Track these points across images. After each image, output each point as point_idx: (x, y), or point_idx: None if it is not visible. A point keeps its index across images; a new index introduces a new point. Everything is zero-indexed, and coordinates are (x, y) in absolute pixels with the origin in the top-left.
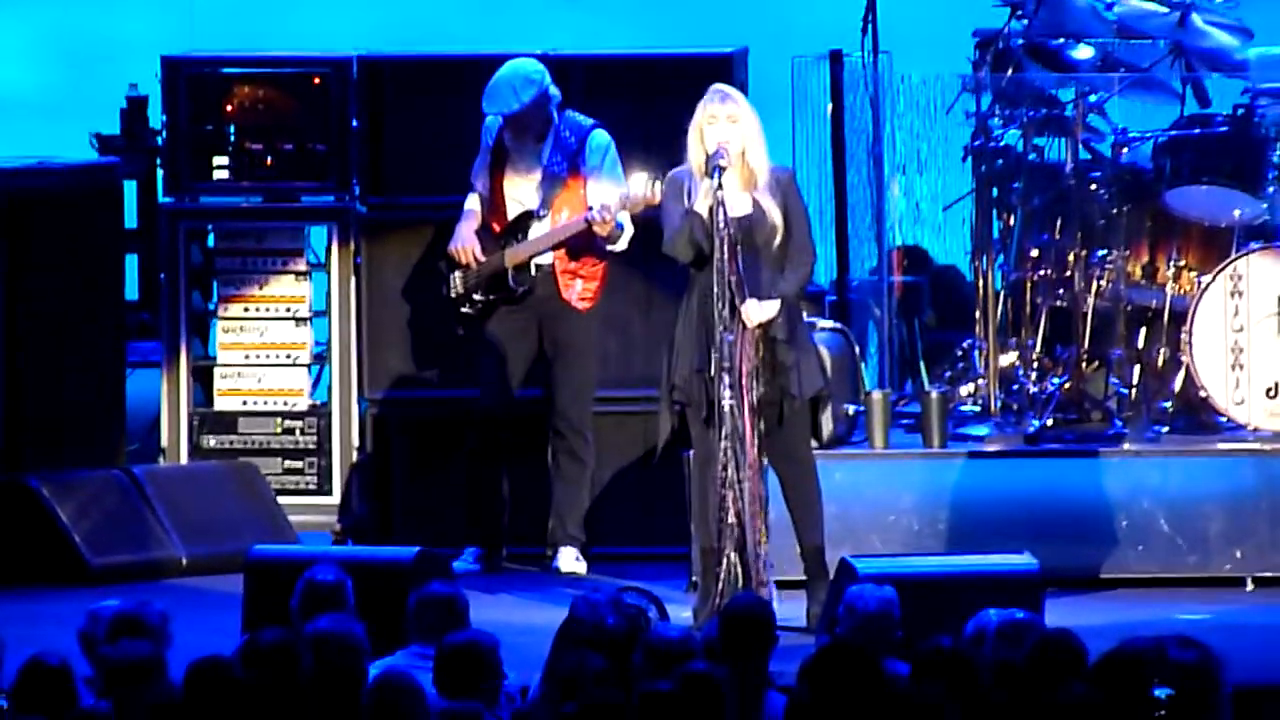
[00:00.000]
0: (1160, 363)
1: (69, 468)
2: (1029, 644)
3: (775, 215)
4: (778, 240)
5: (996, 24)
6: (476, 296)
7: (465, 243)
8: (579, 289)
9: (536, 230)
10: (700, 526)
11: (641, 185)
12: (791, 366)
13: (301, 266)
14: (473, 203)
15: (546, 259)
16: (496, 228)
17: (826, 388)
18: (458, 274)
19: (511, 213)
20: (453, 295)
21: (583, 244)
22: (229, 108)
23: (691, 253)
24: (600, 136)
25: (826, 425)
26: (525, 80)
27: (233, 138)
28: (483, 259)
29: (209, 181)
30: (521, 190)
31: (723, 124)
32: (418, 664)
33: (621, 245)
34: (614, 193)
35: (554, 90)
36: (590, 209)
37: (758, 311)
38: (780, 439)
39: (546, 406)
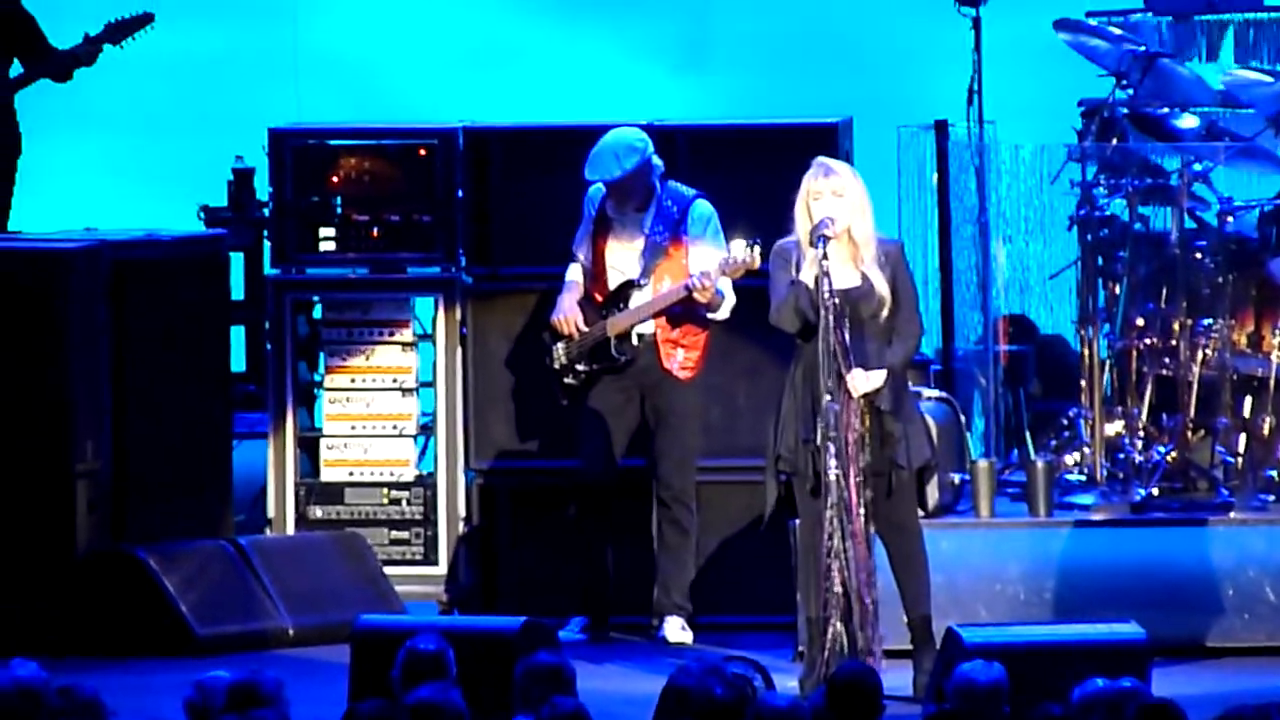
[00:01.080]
0: (1266, 431)
1: (175, 538)
2: (1130, 712)
3: (883, 288)
4: (885, 313)
5: (1101, 93)
6: (580, 367)
7: (567, 313)
8: (680, 358)
9: (638, 299)
10: (806, 596)
11: (741, 250)
12: (899, 437)
13: (407, 337)
14: (574, 273)
15: (648, 328)
16: (598, 297)
17: (934, 458)
18: (560, 345)
19: (613, 281)
20: (556, 366)
21: (684, 313)
22: (335, 179)
23: (798, 322)
24: (703, 207)
25: (932, 495)
26: (628, 148)
27: (339, 209)
28: (585, 329)
29: (315, 253)
30: (623, 259)
31: (827, 199)
32: None
33: (723, 314)
34: (714, 259)
35: (657, 160)
36: (691, 276)
37: (864, 382)
38: (888, 509)
39: (650, 476)
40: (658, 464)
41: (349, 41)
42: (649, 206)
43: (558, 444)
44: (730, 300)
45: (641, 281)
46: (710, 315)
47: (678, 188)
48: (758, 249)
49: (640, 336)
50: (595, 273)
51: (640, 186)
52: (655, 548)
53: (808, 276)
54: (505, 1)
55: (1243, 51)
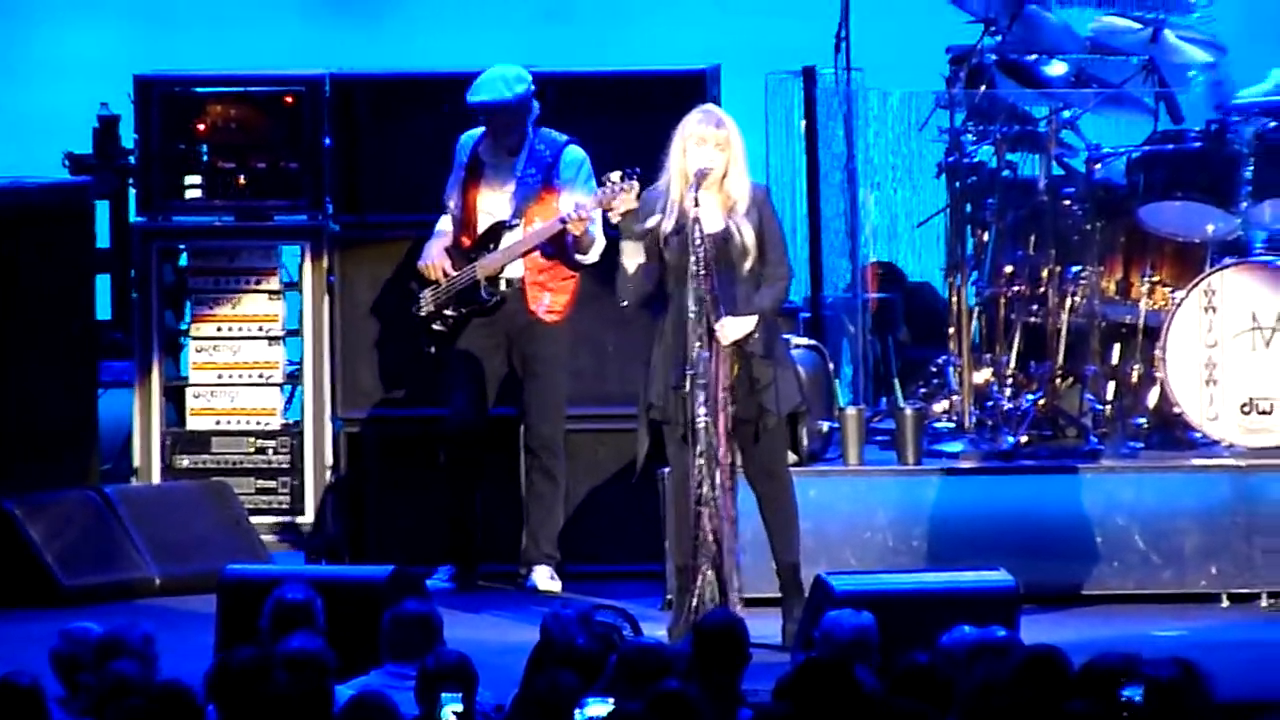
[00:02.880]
0: (1135, 379)
1: (41, 488)
2: (1015, 660)
3: (749, 233)
4: (751, 257)
5: (970, 40)
6: (448, 312)
7: (434, 259)
8: (547, 302)
9: (508, 240)
10: (675, 544)
11: (617, 179)
12: (769, 383)
13: (274, 285)
14: (444, 223)
15: (517, 272)
16: (467, 242)
17: (804, 403)
18: (428, 291)
19: (483, 227)
20: (423, 314)
21: (553, 254)
22: (201, 126)
23: (638, 296)
24: (575, 151)
25: (804, 441)
26: (517, 76)
27: (205, 157)
28: (453, 273)
29: (181, 200)
30: (495, 203)
31: (710, 148)
32: (392, 683)
33: (593, 257)
34: (588, 197)
35: (534, 102)
36: (564, 212)
37: (733, 328)
38: (758, 456)
39: (519, 424)
40: (526, 412)
41: None
42: (521, 150)
43: (425, 393)
44: (600, 243)
45: (512, 222)
46: (580, 258)
47: (550, 133)
48: (635, 181)
49: (508, 281)
50: (465, 219)
51: (520, 122)
52: (524, 496)
53: (667, 228)
54: None
55: None
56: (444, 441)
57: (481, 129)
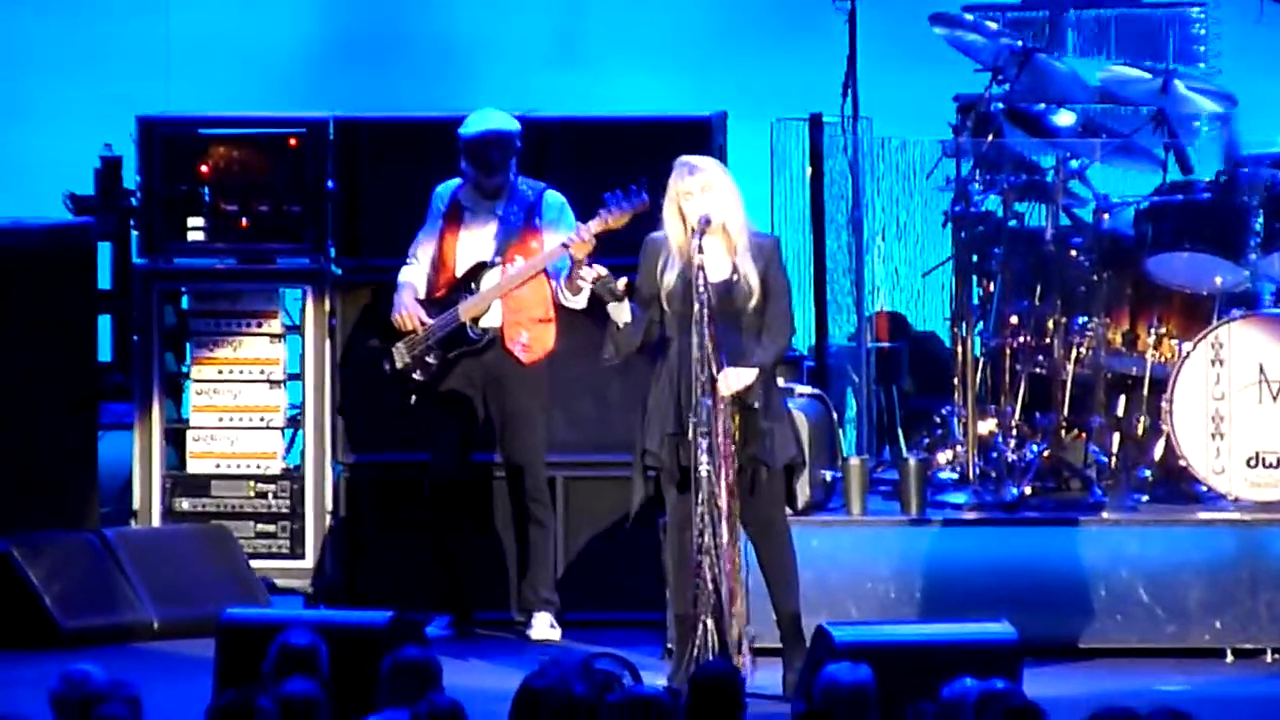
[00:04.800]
0: (1140, 431)
1: (40, 530)
2: (996, 713)
3: (753, 280)
4: (753, 305)
5: (978, 89)
6: (430, 360)
7: (408, 308)
8: (524, 339)
9: (488, 281)
10: (675, 593)
11: (626, 193)
12: (765, 434)
13: (276, 328)
14: (408, 274)
15: (494, 321)
16: (442, 291)
17: (800, 455)
18: (401, 345)
19: (463, 270)
20: (399, 366)
21: (534, 294)
22: (204, 168)
23: (626, 351)
24: (556, 195)
25: (802, 493)
26: (509, 116)
27: (208, 198)
28: (428, 322)
29: (184, 242)
30: (475, 246)
31: (698, 197)
32: None
33: (580, 302)
34: (588, 226)
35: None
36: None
37: (735, 379)
38: (754, 507)
39: (506, 472)
40: (507, 465)
41: (220, 30)
42: (503, 192)
43: (425, 437)
44: (587, 289)
45: (494, 261)
46: (568, 299)
47: (528, 180)
48: (645, 195)
49: (484, 330)
50: (442, 265)
51: (511, 158)
52: (516, 545)
53: (671, 280)
54: None
55: (1090, 45)
56: (427, 490)
57: (458, 181)
